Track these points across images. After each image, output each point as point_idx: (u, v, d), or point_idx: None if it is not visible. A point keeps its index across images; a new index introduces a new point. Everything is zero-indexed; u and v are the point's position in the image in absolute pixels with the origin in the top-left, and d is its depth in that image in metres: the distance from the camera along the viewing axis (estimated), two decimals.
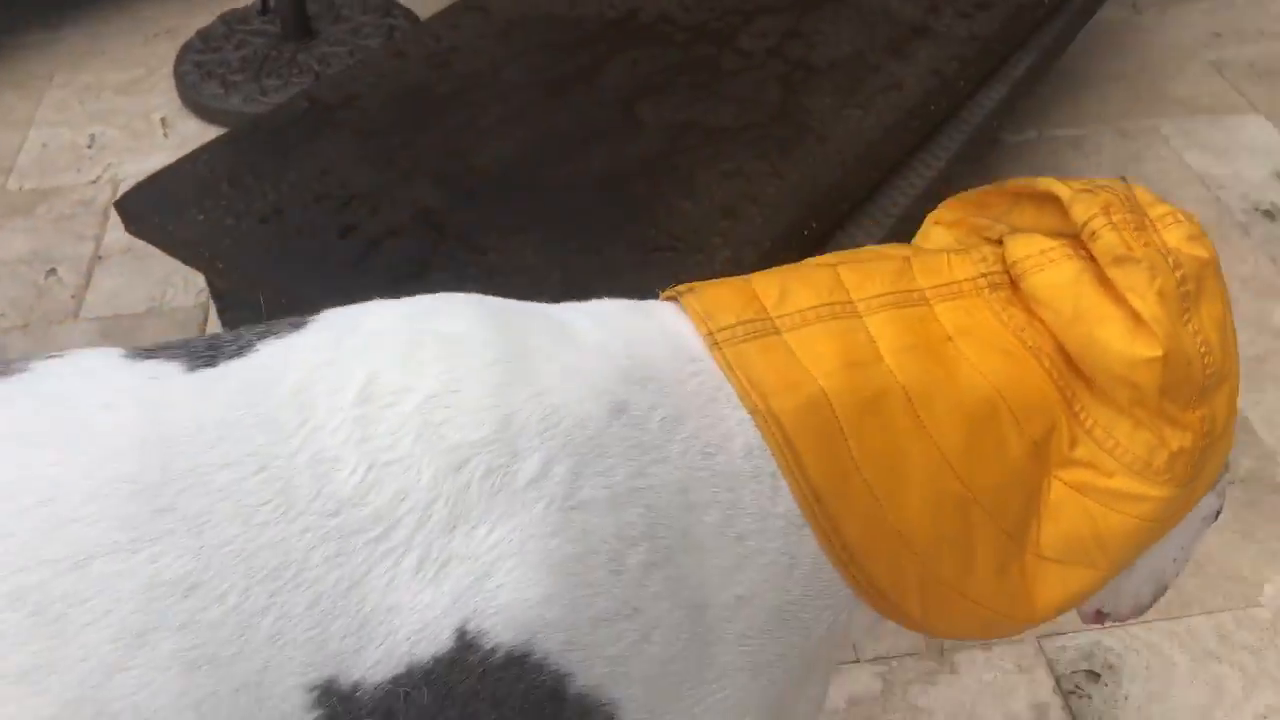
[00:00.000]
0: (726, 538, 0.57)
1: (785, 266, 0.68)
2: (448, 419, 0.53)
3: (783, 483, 0.58)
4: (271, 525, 0.49)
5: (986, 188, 0.74)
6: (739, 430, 0.59)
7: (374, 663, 0.50)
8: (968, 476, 0.61)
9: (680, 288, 0.66)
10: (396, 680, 0.50)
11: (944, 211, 0.76)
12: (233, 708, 0.47)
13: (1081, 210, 0.64)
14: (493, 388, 0.54)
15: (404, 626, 0.50)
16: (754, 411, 0.59)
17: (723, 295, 0.64)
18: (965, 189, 0.77)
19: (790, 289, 0.64)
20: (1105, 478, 0.63)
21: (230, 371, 0.53)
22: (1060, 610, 0.66)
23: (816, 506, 0.59)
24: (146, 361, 0.53)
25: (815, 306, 0.63)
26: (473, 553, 0.51)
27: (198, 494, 0.48)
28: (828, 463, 0.59)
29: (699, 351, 0.61)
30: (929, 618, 0.64)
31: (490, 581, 0.51)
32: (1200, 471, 0.65)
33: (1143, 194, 0.66)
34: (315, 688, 0.49)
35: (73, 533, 0.46)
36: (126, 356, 0.54)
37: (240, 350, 0.55)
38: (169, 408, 0.51)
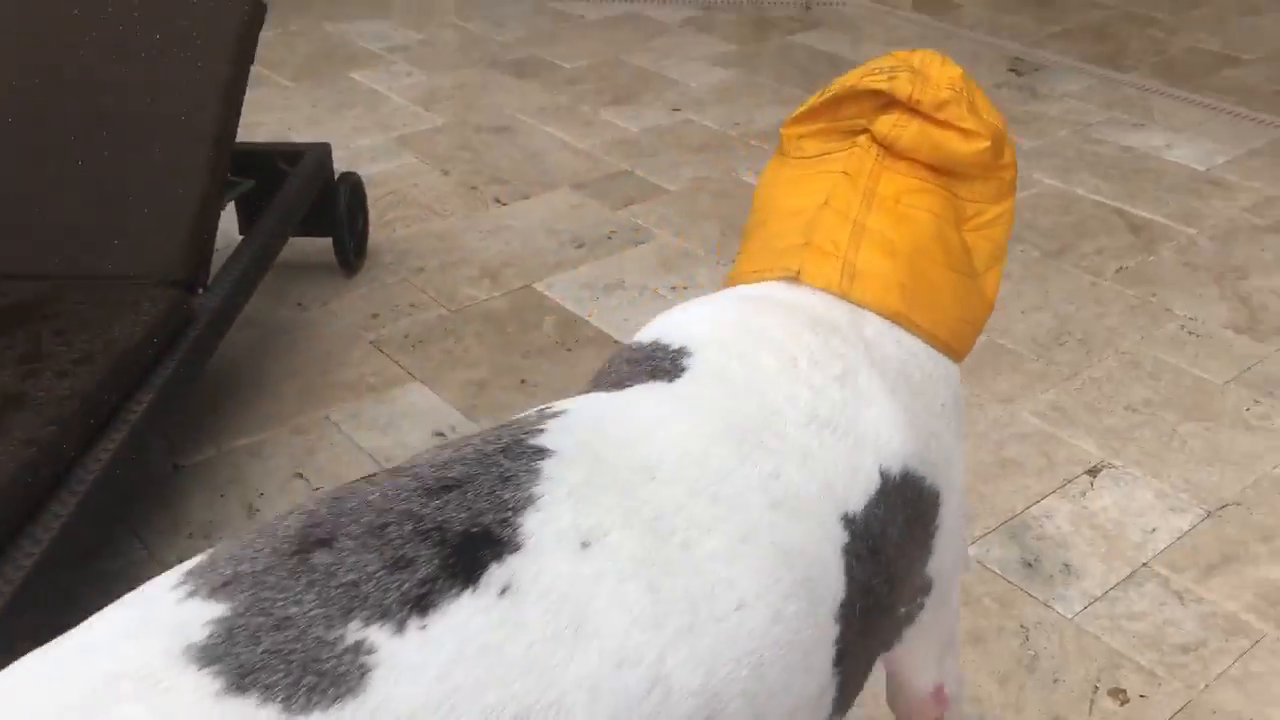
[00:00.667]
0: (931, 382, 1.02)
1: (815, 216, 1.05)
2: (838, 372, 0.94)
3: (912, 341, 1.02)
4: (813, 441, 0.87)
5: (815, 104, 1.09)
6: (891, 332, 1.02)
7: (858, 497, 0.88)
8: (947, 261, 1.04)
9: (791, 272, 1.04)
10: (867, 505, 0.88)
11: (799, 128, 1.11)
12: (812, 537, 0.82)
13: (902, 89, 1.03)
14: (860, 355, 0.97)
15: (861, 476, 0.89)
16: (894, 316, 1.02)
17: (822, 268, 1.02)
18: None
19: (835, 238, 1.02)
20: (982, 216, 1.08)
21: (699, 378, 0.90)
22: (995, 294, 1.11)
23: (935, 340, 1.04)
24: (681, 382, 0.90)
25: (850, 235, 1.02)
26: (872, 428, 0.92)
27: (774, 438, 0.85)
28: (925, 309, 1.03)
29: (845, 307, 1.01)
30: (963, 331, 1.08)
31: (882, 439, 0.92)
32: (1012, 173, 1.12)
33: (908, 55, 1.08)
34: (844, 517, 0.86)
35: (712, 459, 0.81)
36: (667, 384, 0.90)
37: (680, 367, 0.92)
38: (722, 399, 0.87)
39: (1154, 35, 4.26)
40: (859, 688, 0.91)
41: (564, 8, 4.63)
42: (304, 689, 0.57)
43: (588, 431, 0.78)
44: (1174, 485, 2.12)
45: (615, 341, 2.53)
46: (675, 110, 3.72)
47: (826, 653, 0.82)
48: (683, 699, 0.69)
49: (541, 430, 0.77)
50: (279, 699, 0.57)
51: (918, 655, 1.09)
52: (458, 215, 3.05)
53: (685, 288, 2.74)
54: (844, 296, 1.00)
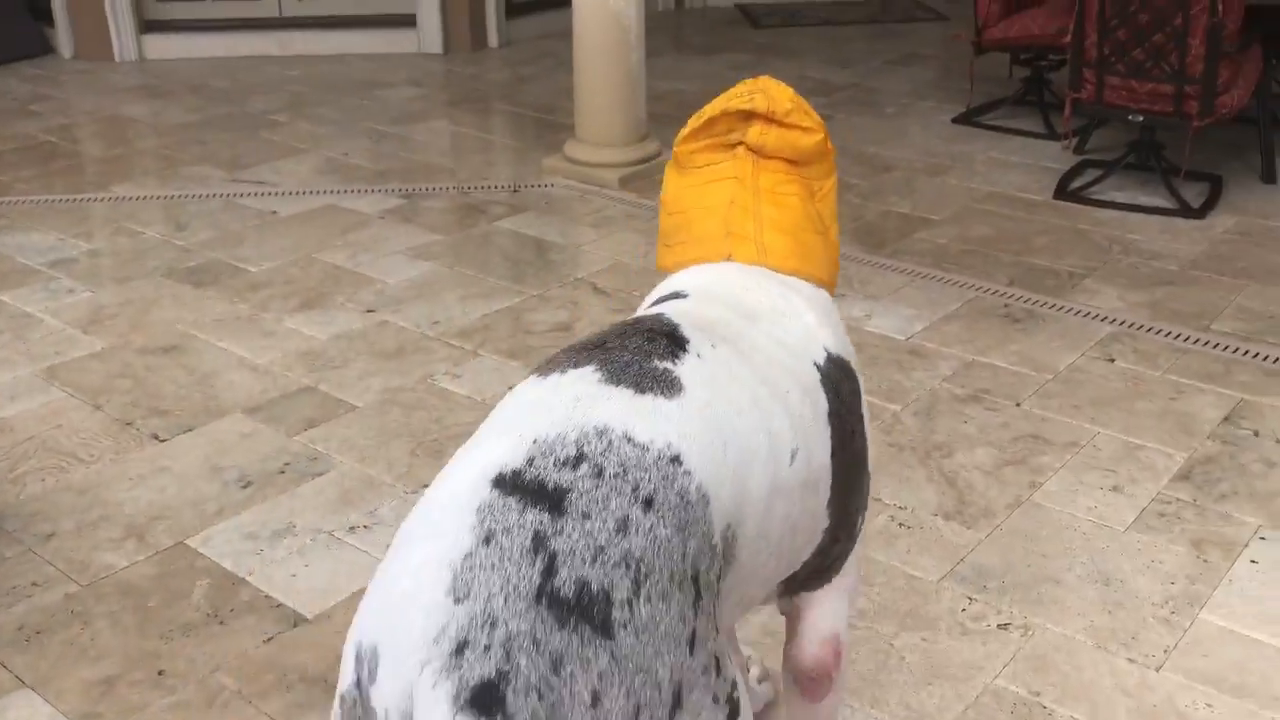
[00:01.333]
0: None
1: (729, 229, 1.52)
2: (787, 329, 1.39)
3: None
4: (790, 324, 1.37)
5: (696, 126, 1.55)
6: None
7: (818, 355, 1.38)
8: (813, 228, 1.51)
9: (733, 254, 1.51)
10: (824, 362, 1.36)
11: (688, 145, 1.57)
12: (806, 369, 1.33)
13: (760, 105, 1.48)
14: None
15: (815, 345, 1.38)
16: (795, 272, 1.50)
17: (745, 249, 1.48)
18: None
19: (746, 228, 1.48)
20: (822, 189, 1.55)
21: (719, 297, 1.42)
22: (838, 241, 1.60)
23: (820, 283, 1.52)
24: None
25: (754, 223, 1.47)
26: (813, 326, 1.40)
27: (771, 325, 1.36)
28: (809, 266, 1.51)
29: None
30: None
31: (819, 332, 1.40)
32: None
33: (754, 81, 1.54)
34: (814, 364, 1.34)
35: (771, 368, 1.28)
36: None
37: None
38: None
39: (850, 201, 4.36)
40: (854, 493, 1.41)
41: (256, 204, 4.36)
42: (648, 386, 1.10)
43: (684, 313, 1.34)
44: (894, 715, 1.95)
45: (277, 605, 2.20)
46: (370, 311, 3.47)
47: (825, 442, 1.32)
48: (787, 462, 1.24)
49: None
50: (632, 388, 1.09)
51: (830, 598, 1.46)
52: (105, 460, 2.67)
53: (366, 527, 2.44)
54: (764, 265, 1.48)
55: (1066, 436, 2.79)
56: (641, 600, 0.90)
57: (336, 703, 0.96)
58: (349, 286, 3.65)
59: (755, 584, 1.23)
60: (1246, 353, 3.21)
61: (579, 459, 0.98)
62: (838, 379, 1.37)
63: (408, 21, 6.67)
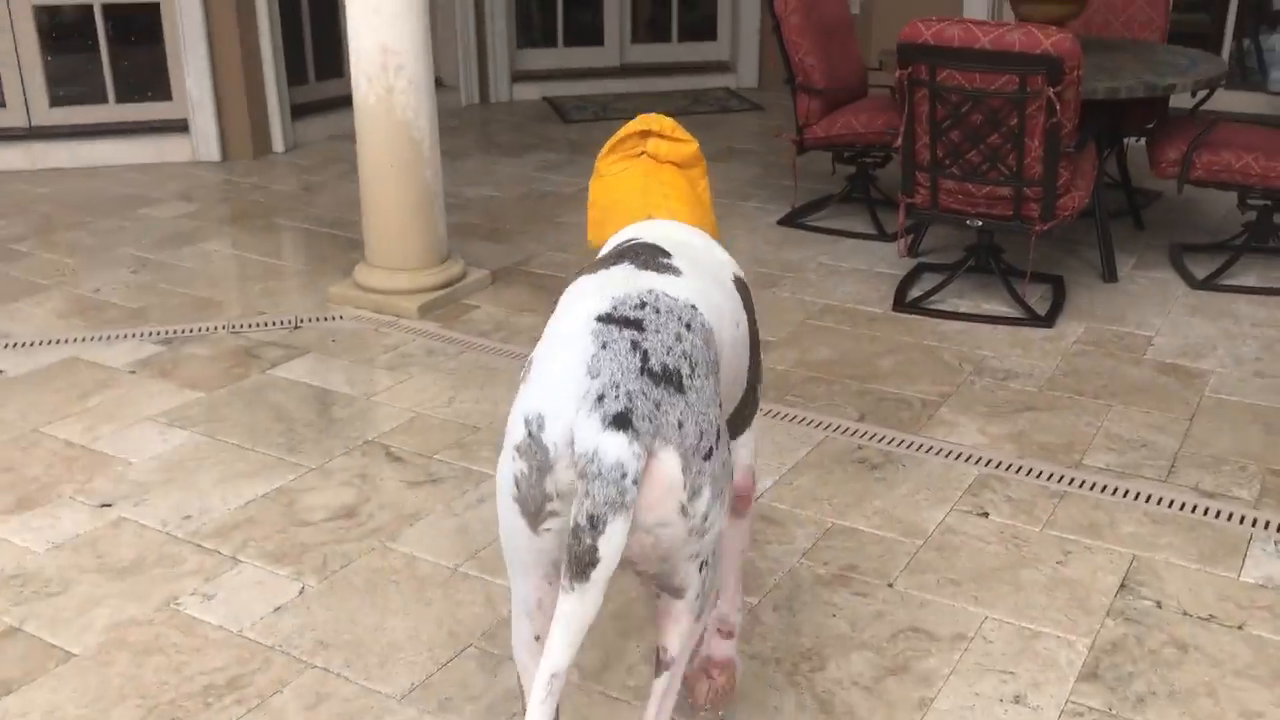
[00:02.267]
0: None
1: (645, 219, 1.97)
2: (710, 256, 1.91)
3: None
4: (715, 254, 1.90)
5: (613, 143, 2.00)
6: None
7: (734, 273, 1.90)
8: (700, 205, 2.01)
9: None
10: (735, 280, 1.86)
11: (608, 158, 2.01)
12: (729, 285, 1.82)
13: (654, 125, 1.97)
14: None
15: (728, 269, 1.88)
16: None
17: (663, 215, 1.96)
18: None
19: (660, 203, 1.94)
20: (698, 185, 2.02)
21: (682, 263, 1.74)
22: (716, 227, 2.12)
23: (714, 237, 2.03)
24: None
25: (664, 201, 1.95)
26: (723, 255, 1.93)
27: (703, 254, 1.86)
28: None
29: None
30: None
31: (727, 260, 1.91)
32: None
33: (645, 117, 1.99)
34: (733, 278, 1.85)
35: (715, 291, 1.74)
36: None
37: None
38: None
39: None
40: (755, 365, 1.89)
41: None
42: (664, 270, 1.64)
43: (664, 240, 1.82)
44: None
45: None
46: (105, 506, 2.81)
47: (745, 322, 1.81)
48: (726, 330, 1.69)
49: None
50: (655, 272, 1.63)
51: (744, 441, 1.92)
52: None
53: None
54: (676, 221, 1.96)
55: (951, 626, 2.37)
56: (697, 377, 1.47)
57: (511, 455, 1.44)
58: (82, 472, 2.97)
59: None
60: (1126, 493, 2.88)
61: (643, 304, 1.51)
62: (743, 288, 1.89)
63: (179, 127, 5.99)
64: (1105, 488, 2.91)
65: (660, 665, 1.61)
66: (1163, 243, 4.66)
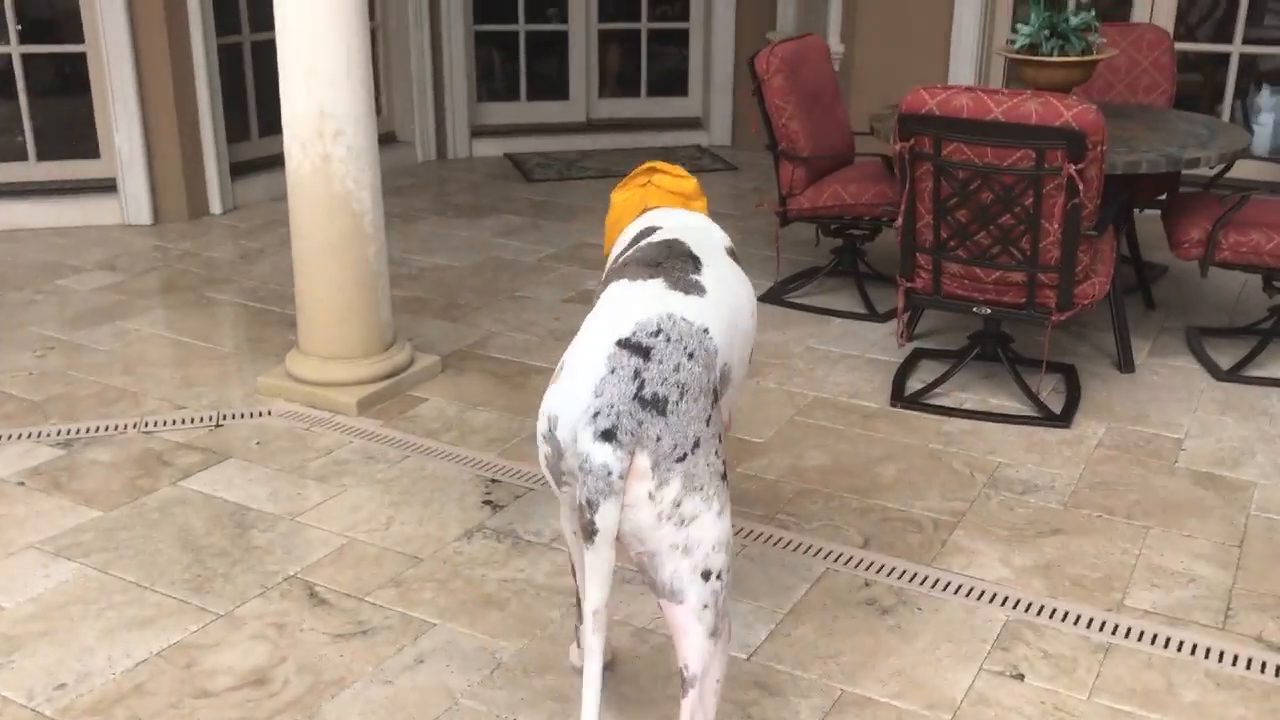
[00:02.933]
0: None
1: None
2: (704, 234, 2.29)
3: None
4: (714, 233, 2.33)
5: (625, 181, 2.48)
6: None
7: (727, 244, 2.35)
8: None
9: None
10: (727, 250, 2.32)
11: (621, 190, 2.46)
12: (727, 258, 2.26)
13: (660, 166, 2.46)
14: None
15: (723, 243, 2.33)
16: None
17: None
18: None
19: (659, 197, 2.45)
20: (700, 206, 2.50)
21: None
22: None
23: None
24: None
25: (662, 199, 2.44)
26: (719, 233, 2.38)
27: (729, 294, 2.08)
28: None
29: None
30: None
31: (722, 235, 2.39)
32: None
33: (652, 162, 2.50)
34: (726, 249, 2.30)
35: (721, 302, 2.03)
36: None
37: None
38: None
39: None
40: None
41: None
42: (690, 290, 1.93)
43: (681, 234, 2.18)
44: None
45: None
46: None
47: (751, 313, 2.20)
48: (739, 327, 2.06)
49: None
50: (683, 292, 1.92)
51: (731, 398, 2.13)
52: None
53: None
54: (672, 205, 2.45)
55: None
56: (684, 401, 1.75)
57: (540, 438, 1.84)
58: None
59: (733, 400, 2.16)
60: (1181, 646, 2.46)
61: (658, 332, 1.80)
62: (735, 258, 2.30)
63: (107, 187, 5.51)
64: (1156, 638, 2.48)
65: (685, 684, 1.84)
66: (1178, 325, 4.29)
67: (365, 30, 3.41)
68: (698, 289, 1.94)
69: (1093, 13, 3.95)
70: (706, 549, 1.76)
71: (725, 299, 2.01)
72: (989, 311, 3.49)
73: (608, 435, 1.69)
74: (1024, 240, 3.30)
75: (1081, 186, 3.13)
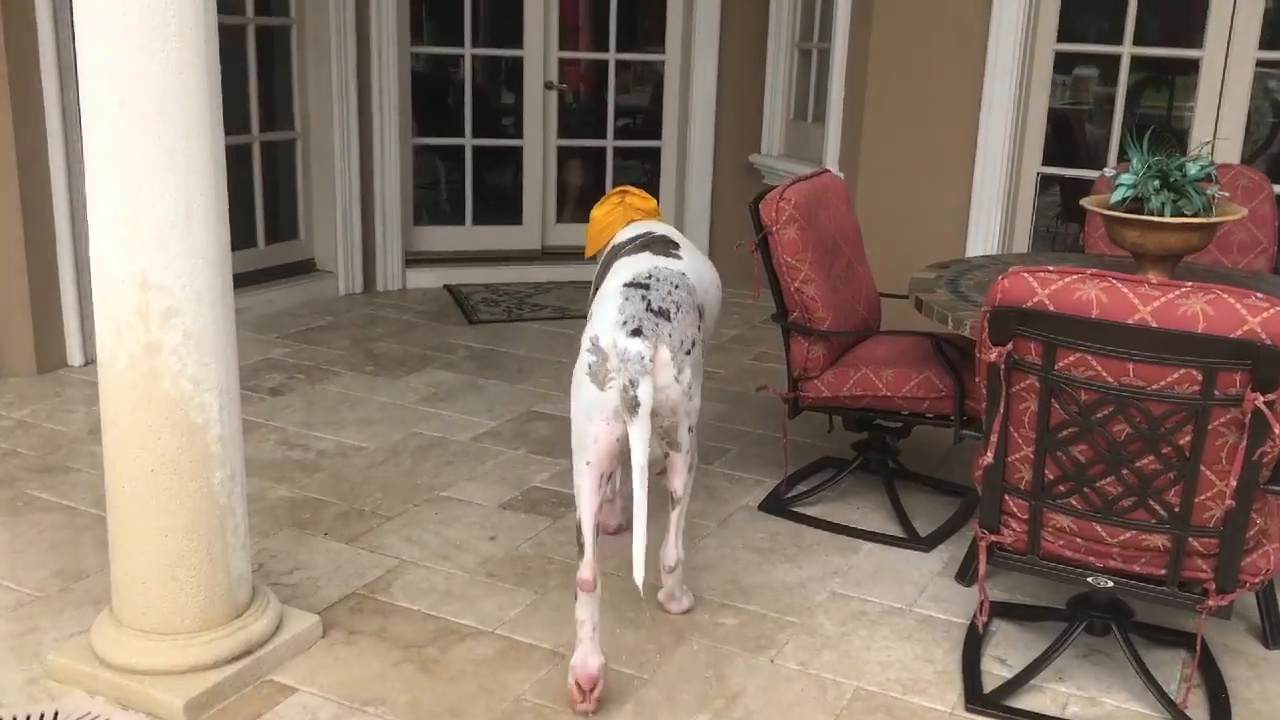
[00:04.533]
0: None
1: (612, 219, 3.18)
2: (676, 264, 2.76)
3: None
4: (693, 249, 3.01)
5: (605, 200, 3.21)
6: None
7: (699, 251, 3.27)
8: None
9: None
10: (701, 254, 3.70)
11: (597, 210, 3.19)
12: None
13: (627, 188, 3.22)
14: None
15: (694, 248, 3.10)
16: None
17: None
18: None
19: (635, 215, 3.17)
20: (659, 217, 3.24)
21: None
22: None
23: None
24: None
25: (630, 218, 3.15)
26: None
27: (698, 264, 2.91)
28: None
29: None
30: None
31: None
32: None
33: (623, 188, 3.24)
34: (717, 285, 3.04)
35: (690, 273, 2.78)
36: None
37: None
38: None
39: None
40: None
41: None
42: (671, 256, 2.77)
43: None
44: None
45: None
46: None
47: (719, 292, 3.03)
48: (709, 288, 2.89)
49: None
50: (664, 257, 2.74)
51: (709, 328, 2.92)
52: None
53: None
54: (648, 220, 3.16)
55: None
56: (680, 313, 2.49)
57: (586, 353, 2.48)
58: None
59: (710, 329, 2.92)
60: None
61: (650, 276, 2.54)
62: (702, 258, 2.99)
63: None
64: None
65: (673, 502, 2.76)
66: None
67: (218, 153, 2.35)
68: (675, 257, 2.75)
69: (1210, 159, 2.99)
70: (695, 414, 2.64)
71: (695, 267, 2.81)
72: (1110, 584, 2.43)
73: (636, 332, 2.44)
74: (1172, 492, 2.26)
75: (1275, 425, 2.11)
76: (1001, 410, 2.33)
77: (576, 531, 2.52)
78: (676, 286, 2.54)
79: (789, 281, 3.24)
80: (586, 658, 2.45)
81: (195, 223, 2.31)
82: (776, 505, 3.49)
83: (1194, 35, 4.96)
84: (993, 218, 5.13)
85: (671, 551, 2.82)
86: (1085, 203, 3.13)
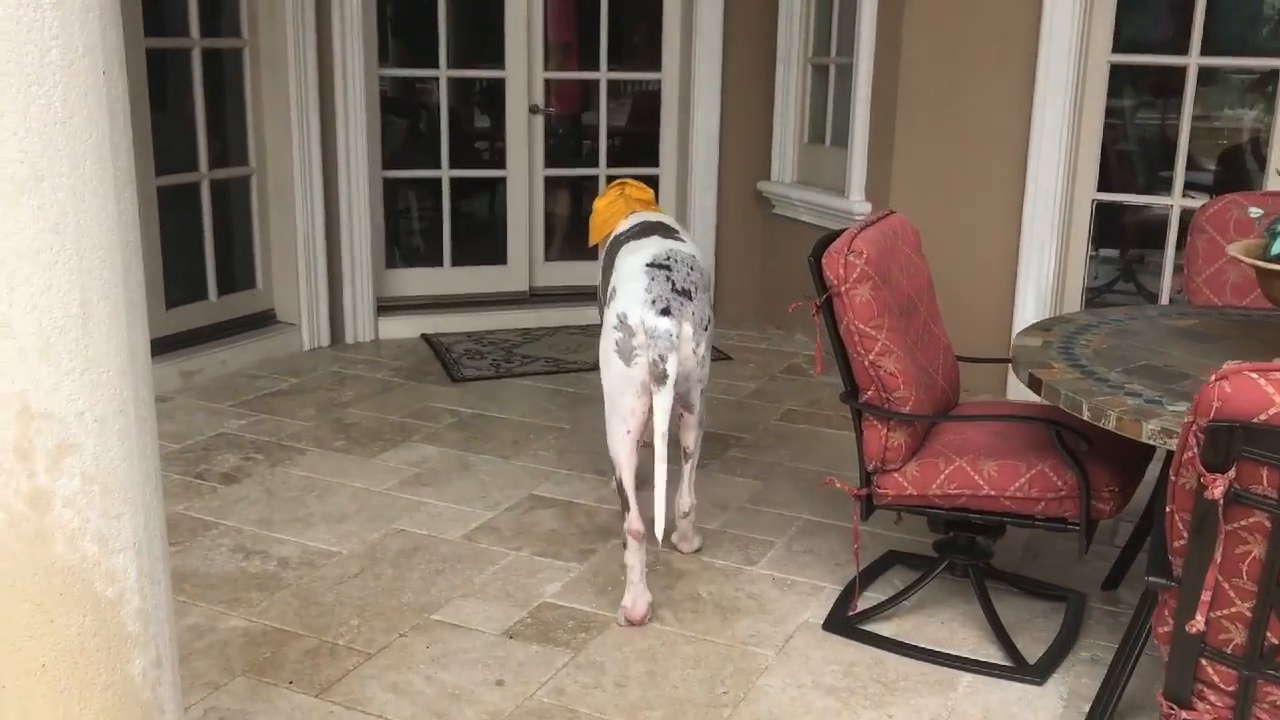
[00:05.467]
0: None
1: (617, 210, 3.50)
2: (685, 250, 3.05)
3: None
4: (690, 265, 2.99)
5: (605, 191, 3.58)
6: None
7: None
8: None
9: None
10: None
11: (602, 199, 3.54)
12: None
13: (625, 180, 3.61)
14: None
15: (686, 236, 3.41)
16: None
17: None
18: None
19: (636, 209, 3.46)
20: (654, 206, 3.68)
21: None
22: None
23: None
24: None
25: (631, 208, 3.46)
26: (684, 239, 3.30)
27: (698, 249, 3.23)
28: None
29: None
30: None
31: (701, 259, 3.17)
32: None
33: (621, 181, 3.62)
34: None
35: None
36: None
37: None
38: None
39: None
40: None
41: None
42: (678, 239, 3.14)
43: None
44: None
45: None
46: None
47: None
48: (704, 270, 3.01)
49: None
50: (674, 240, 3.08)
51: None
52: None
53: None
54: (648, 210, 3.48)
55: None
56: (699, 292, 2.85)
57: (613, 329, 2.82)
58: None
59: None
60: None
61: (669, 256, 2.86)
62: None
63: None
64: None
65: (686, 457, 3.13)
66: None
67: (127, 224, 1.70)
68: (680, 240, 3.08)
69: None
70: (707, 379, 3.00)
71: (698, 250, 3.12)
72: None
73: (665, 312, 2.76)
74: None
75: None
76: (1218, 553, 1.71)
77: (618, 489, 2.91)
78: (693, 269, 2.90)
79: (862, 354, 2.62)
80: (636, 599, 2.87)
81: (95, 324, 1.65)
82: (845, 624, 2.86)
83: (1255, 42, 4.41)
84: (1046, 254, 4.54)
85: (686, 499, 3.21)
86: (1233, 250, 2.52)
